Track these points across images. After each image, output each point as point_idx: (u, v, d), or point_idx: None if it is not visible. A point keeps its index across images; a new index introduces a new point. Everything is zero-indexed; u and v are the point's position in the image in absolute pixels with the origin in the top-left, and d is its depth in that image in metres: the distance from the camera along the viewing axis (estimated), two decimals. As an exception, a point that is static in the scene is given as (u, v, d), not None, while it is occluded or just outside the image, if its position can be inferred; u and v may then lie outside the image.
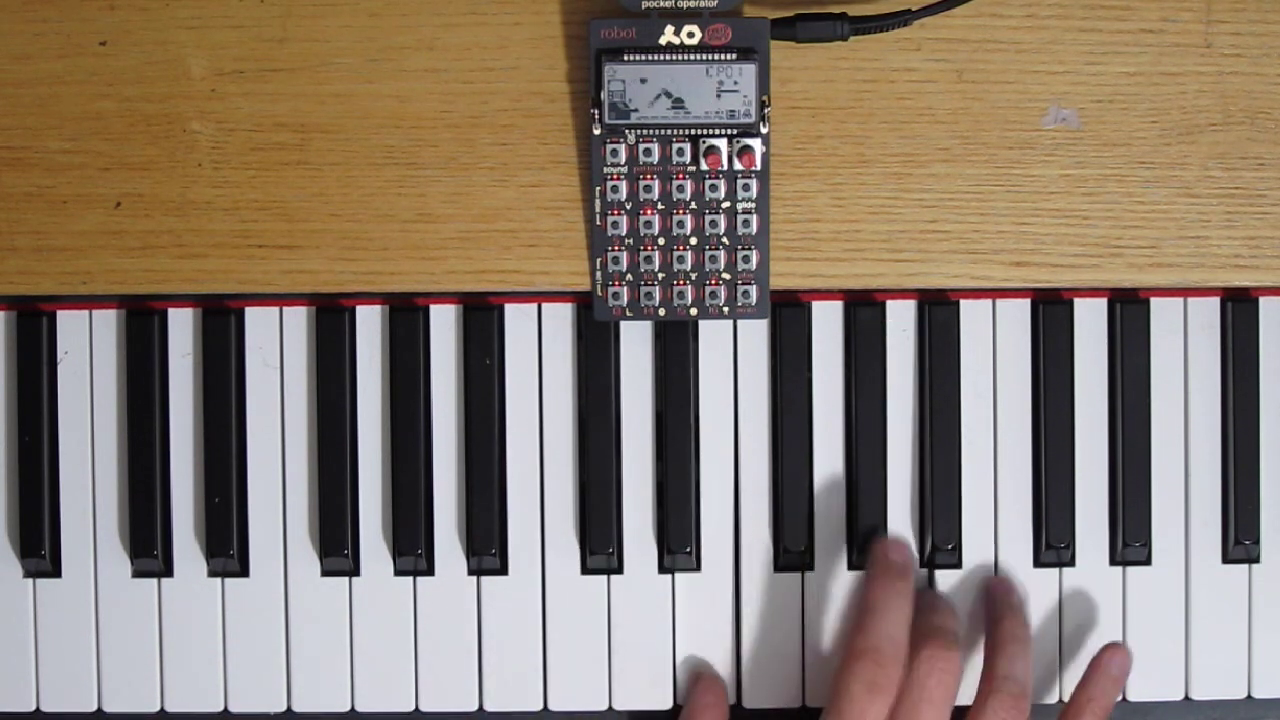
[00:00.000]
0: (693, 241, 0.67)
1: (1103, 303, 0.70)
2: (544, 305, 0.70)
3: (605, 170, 0.67)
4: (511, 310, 0.70)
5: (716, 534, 0.70)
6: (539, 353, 0.70)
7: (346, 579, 0.70)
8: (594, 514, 0.69)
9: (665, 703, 0.70)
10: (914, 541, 0.70)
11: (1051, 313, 0.69)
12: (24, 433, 0.70)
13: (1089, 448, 0.70)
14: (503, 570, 0.70)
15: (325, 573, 0.70)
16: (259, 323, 0.70)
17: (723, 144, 0.66)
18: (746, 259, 0.67)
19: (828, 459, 0.70)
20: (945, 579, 0.70)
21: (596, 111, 0.66)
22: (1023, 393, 0.70)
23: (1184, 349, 0.70)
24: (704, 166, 0.66)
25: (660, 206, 0.67)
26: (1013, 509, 0.70)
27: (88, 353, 0.70)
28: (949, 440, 0.69)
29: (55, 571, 0.70)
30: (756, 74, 0.65)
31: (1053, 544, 0.69)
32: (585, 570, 0.70)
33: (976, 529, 0.70)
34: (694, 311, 0.67)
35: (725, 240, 0.67)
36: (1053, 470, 0.69)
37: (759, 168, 0.66)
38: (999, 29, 0.68)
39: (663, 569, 0.70)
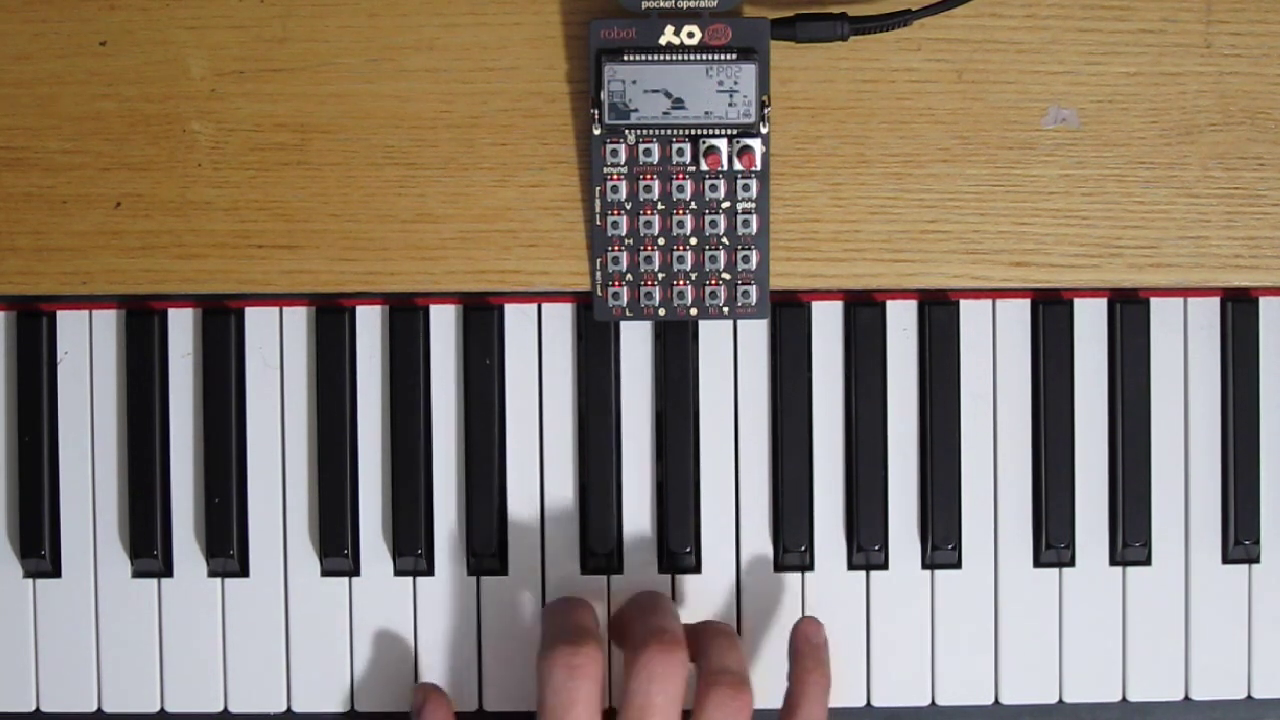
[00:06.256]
0: (693, 241, 0.67)
1: (1103, 303, 0.70)
2: (544, 305, 0.70)
3: (605, 170, 0.67)
4: (511, 310, 0.70)
5: (716, 534, 0.70)
6: (539, 353, 0.70)
7: (346, 579, 0.70)
8: (594, 514, 0.69)
9: (665, 703, 0.70)
10: (915, 541, 0.70)
11: (1051, 313, 0.69)
12: (24, 433, 0.70)
13: (1089, 448, 0.70)
14: (502, 570, 0.70)
15: (325, 573, 0.70)
16: (259, 323, 0.70)
17: (723, 144, 0.66)
18: (746, 259, 0.67)
19: (828, 459, 0.70)
20: (945, 579, 0.70)
21: (596, 111, 0.66)
22: (1023, 393, 0.70)
23: (1184, 349, 0.70)
24: (704, 166, 0.66)
25: (660, 206, 0.67)
26: (1013, 509, 0.70)
27: (88, 353, 0.70)
28: (949, 440, 0.69)
29: (55, 571, 0.70)
30: (756, 74, 0.65)
31: (1053, 544, 0.69)
32: (585, 570, 0.70)
33: (976, 529, 0.70)
34: (694, 311, 0.67)
35: (725, 240, 0.67)
36: (1053, 470, 0.69)
37: (759, 168, 0.66)
38: (999, 29, 0.68)
39: (663, 569, 0.70)
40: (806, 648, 0.67)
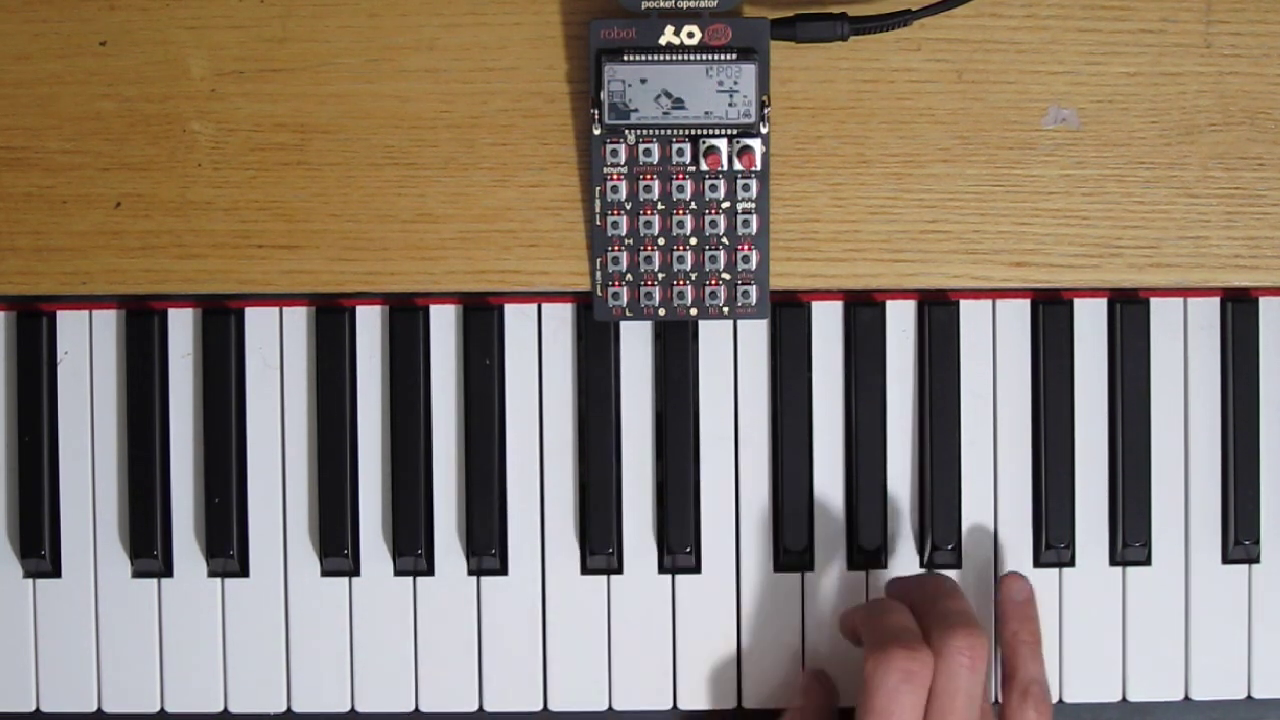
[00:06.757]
0: (693, 241, 0.67)
1: (1103, 303, 0.70)
2: (544, 305, 0.70)
3: (605, 170, 0.67)
4: (511, 310, 0.70)
5: (716, 534, 0.70)
6: (539, 353, 0.70)
7: (346, 579, 0.70)
8: (594, 514, 0.69)
9: (665, 703, 0.70)
10: (914, 541, 0.70)
11: (1051, 313, 0.69)
12: (24, 433, 0.70)
13: (1089, 448, 0.70)
14: (503, 570, 0.70)
15: (325, 573, 0.70)
16: (259, 323, 0.70)
17: (723, 144, 0.66)
18: (746, 259, 0.67)
19: (828, 459, 0.70)
20: (945, 579, 0.70)
21: (596, 111, 0.66)
22: (1023, 393, 0.70)
23: (1184, 349, 0.70)
24: (704, 166, 0.66)
25: (660, 206, 0.67)
26: (1013, 509, 0.70)
27: (88, 353, 0.70)
28: (949, 440, 0.69)
29: (55, 571, 0.70)
30: (756, 74, 0.65)
31: (1053, 544, 0.69)
32: (585, 570, 0.70)
33: (976, 529, 0.70)
34: (694, 311, 0.67)
35: (725, 240, 0.67)
36: (1053, 470, 0.69)
37: (759, 168, 0.66)
38: (999, 29, 0.68)
39: (663, 569, 0.70)
40: (1011, 607, 0.67)
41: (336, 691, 0.70)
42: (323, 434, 0.69)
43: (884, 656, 0.60)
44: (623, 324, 0.70)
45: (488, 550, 0.69)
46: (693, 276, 0.67)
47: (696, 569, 0.70)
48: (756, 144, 0.66)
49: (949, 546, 0.69)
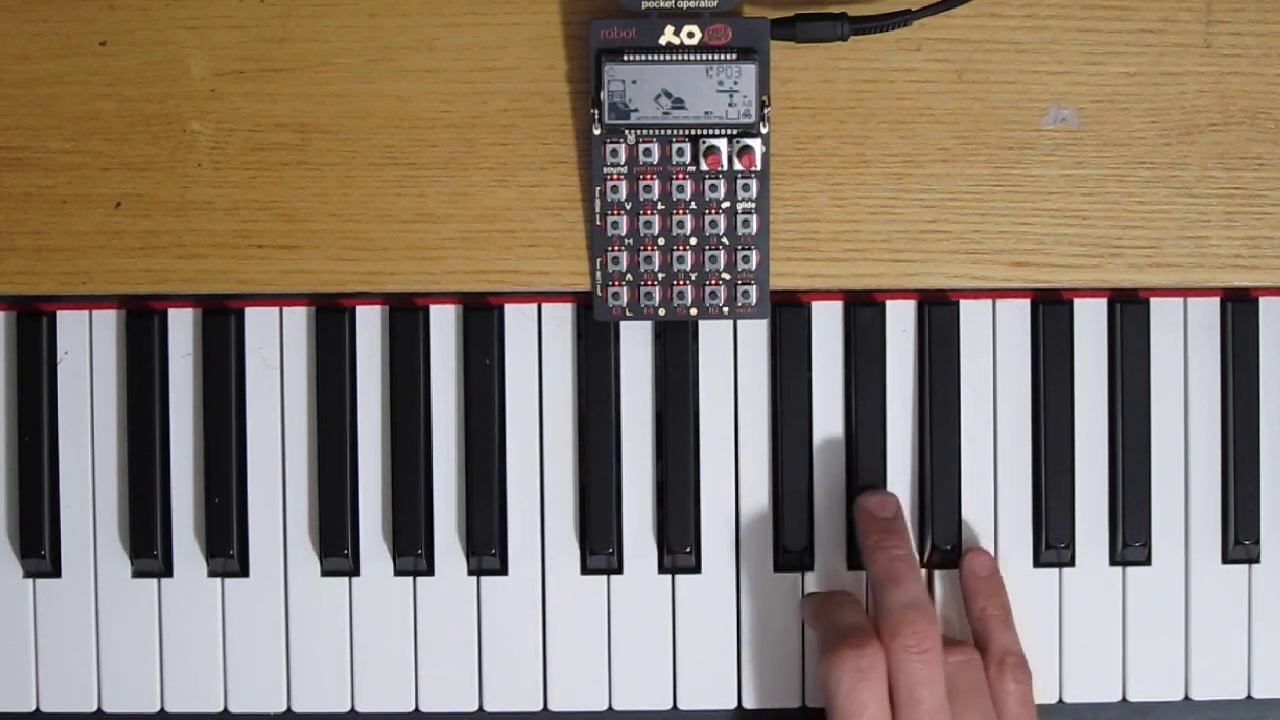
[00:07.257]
0: (693, 241, 0.67)
1: (1103, 303, 0.70)
2: (544, 305, 0.70)
3: (605, 170, 0.67)
4: (511, 310, 0.70)
5: (716, 534, 0.70)
6: (539, 353, 0.70)
7: (346, 579, 0.70)
8: (594, 514, 0.69)
9: (665, 703, 0.70)
10: (914, 541, 0.70)
11: (1051, 313, 0.69)
12: (24, 433, 0.70)
13: (1089, 448, 0.70)
14: (503, 570, 0.70)
15: (325, 573, 0.70)
16: (259, 323, 0.70)
17: (723, 144, 0.66)
18: (746, 259, 0.67)
19: (828, 459, 0.70)
20: (945, 579, 0.70)
21: (596, 111, 0.66)
22: (1023, 393, 0.70)
23: (1184, 349, 0.70)
24: (704, 166, 0.66)
25: (660, 206, 0.67)
26: (1013, 509, 0.70)
27: (88, 353, 0.70)
28: (949, 440, 0.69)
29: (55, 571, 0.70)
30: (756, 74, 0.65)
31: (1053, 544, 0.69)
32: (585, 570, 0.70)
33: (976, 529, 0.70)
34: (694, 311, 0.67)
35: (725, 240, 0.67)
36: (1053, 470, 0.69)
37: (759, 168, 0.66)
38: (999, 29, 0.68)
39: (663, 569, 0.70)
40: (976, 583, 0.68)
41: (336, 691, 0.70)
42: (323, 434, 0.69)
43: (834, 659, 0.61)
44: (623, 324, 0.70)
45: (488, 550, 0.69)
46: (693, 276, 0.67)
47: (696, 569, 0.70)
48: (756, 144, 0.66)
49: (949, 546, 0.69)
